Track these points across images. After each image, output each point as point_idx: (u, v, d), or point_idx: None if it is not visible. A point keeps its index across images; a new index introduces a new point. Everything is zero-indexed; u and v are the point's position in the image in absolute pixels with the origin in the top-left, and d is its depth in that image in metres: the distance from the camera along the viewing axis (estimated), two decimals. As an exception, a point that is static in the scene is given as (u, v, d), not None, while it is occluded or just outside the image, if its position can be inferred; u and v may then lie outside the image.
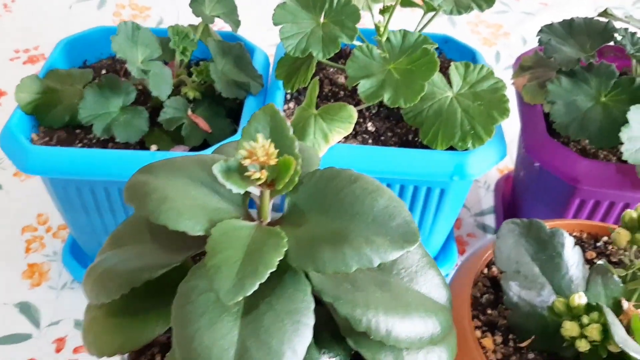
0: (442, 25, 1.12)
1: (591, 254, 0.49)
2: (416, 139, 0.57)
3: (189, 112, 0.57)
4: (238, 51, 0.60)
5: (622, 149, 0.50)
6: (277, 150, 0.32)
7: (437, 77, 0.55)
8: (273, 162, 0.31)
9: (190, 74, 0.59)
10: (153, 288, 0.37)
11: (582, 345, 0.37)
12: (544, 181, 0.61)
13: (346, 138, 0.58)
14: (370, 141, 0.58)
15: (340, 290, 0.35)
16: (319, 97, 0.61)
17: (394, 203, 0.35)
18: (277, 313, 0.33)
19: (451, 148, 0.54)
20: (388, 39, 0.52)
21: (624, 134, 0.50)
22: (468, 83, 0.55)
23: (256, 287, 0.31)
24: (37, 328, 0.63)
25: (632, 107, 0.51)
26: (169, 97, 0.56)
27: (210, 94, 0.60)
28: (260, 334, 0.32)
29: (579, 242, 0.51)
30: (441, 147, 0.54)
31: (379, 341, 0.35)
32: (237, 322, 0.33)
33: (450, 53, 0.69)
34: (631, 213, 0.38)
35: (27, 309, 0.65)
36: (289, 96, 0.62)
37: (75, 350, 0.61)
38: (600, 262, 0.42)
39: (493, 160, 0.55)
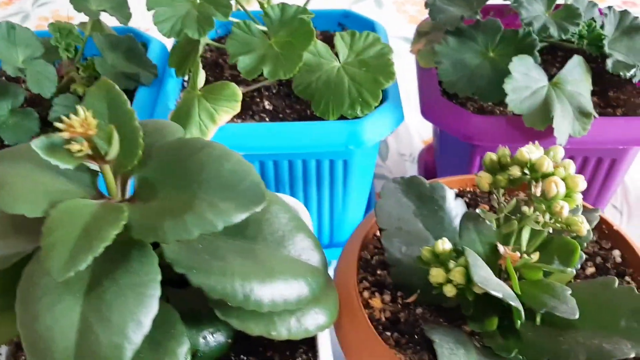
0: (369, 6, 1.12)
1: (484, 207, 0.49)
2: (313, 114, 0.57)
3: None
4: (128, 43, 0.60)
5: (507, 100, 0.50)
6: (99, 120, 0.31)
7: (324, 48, 0.54)
8: (92, 132, 0.30)
9: (79, 72, 0.59)
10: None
11: (449, 290, 0.37)
12: (448, 144, 0.61)
13: (243, 118, 0.57)
14: (267, 119, 0.57)
15: (196, 261, 0.35)
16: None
17: (241, 167, 0.35)
18: (120, 287, 0.32)
19: (345, 118, 0.54)
20: (267, 14, 0.52)
21: (508, 85, 0.50)
22: (355, 52, 0.54)
23: (89, 261, 0.30)
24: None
25: (515, 58, 0.51)
26: (57, 95, 0.55)
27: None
28: (102, 309, 0.31)
29: (473, 196, 0.51)
30: (333, 117, 0.54)
31: (249, 310, 0.35)
32: (79, 300, 0.32)
33: (352, 27, 0.69)
34: (491, 155, 0.38)
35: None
36: (186, 84, 0.61)
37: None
38: (478, 210, 0.42)
39: (389, 127, 0.55)
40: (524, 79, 0.51)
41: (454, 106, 0.55)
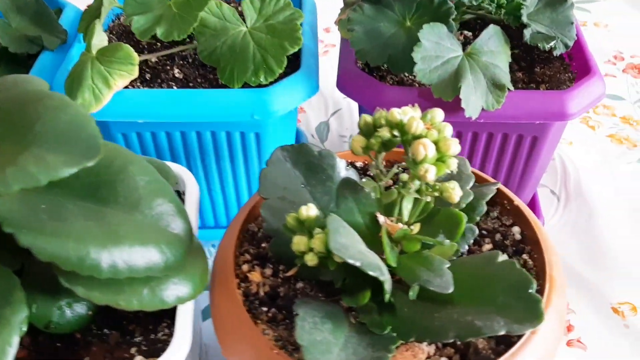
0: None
1: (387, 182, 0.46)
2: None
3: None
4: (36, 7, 0.57)
5: (416, 69, 0.47)
6: None
7: (230, 11, 0.52)
8: None
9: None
10: None
11: (310, 259, 0.34)
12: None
13: (149, 85, 0.54)
14: (175, 88, 0.54)
15: (30, 221, 0.32)
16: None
17: (79, 118, 0.32)
18: None
19: (249, 86, 0.51)
20: (166, -27, 0.49)
21: (417, 54, 0.47)
22: (263, 16, 0.52)
23: None
24: None
25: (425, 26, 0.48)
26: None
27: (9, 55, 0.56)
28: None
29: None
30: (238, 84, 0.51)
31: (96, 278, 0.32)
32: None
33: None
34: (366, 117, 0.35)
35: None
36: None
37: None
38: (364, 179, 0.40)
39: (300, 96, 0.52)
40: (435, 48, 0.48)
41: (367, 78, 0.52)
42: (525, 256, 0.41)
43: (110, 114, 0.51)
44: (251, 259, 0.42)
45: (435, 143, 0.33)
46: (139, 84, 0.54)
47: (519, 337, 0.35)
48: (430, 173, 0.32)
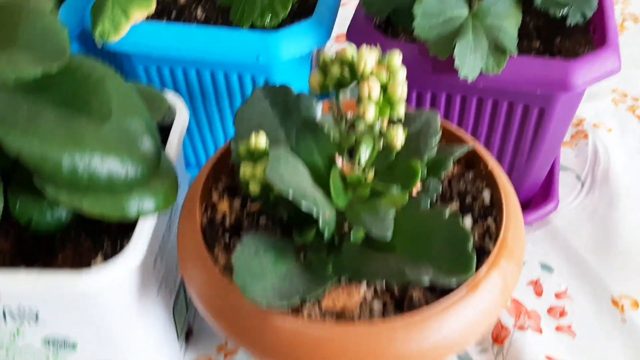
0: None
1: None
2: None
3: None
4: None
5: (415, 24, 0.47)
6: None
7: (248, -46, 0.53)
8: None
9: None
10: None
11: (253, 187, 0.35)
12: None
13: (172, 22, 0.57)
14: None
15: (7, 118, 0.35)
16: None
17: (52, 26, 0.35)
18: None
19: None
20: None
21: (418, 9, 0.47)
22: (279, -41, 0.52)
23: None
24: None
25: (433, -19, 0.47)
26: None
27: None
28: None
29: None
30: (246, 24, 0.52)
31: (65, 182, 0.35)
32: None
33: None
34: (324, 55, 0.36)
35: None
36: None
37: None
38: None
39: (309, 43, 0.53)
40: (438, 5, 0.47)
41: (373, 32, 0.52)
42: (489, 220, 0.41)
43: (128, 44, 0.54)
44: (223, 190, 0.44)
45: (384, 86, 0.33)
46: (165, 20, 0.57)
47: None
48: (369, 113, 0.32)
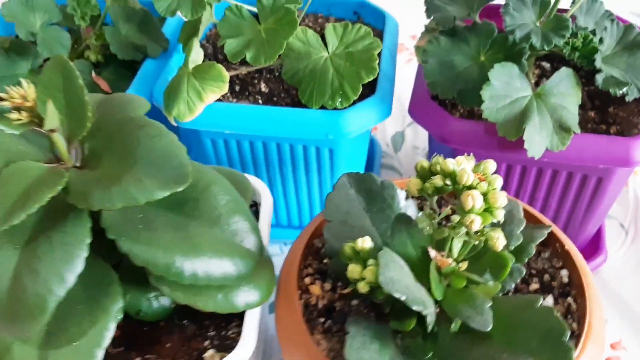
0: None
1: (448, 211, 0.49)
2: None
3: (93, 74, 0.61)
4: (142, 16, 0.63)
5: (483, 107, 0.50)
6: (36, 94, 0.34)
7: (314, 37, 0.56)
8: (29, 103, 0.34)
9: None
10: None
11: (362, 287, 0.38)
12: (434, 145, 0.61)
13: (239, 98, 0.60)
14: (260, 101, 0.59)
15: (128, 229, 0.38)
16: (226, 60, 0.63)
17: (172, 147, 0.37)
18: (52, 244, 0.36)
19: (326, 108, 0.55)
20: (260, 0, 0.54)
21: (486, 92, 0.50)
22: (344, 43, 0.55)
23: (22, 218, 0.34)
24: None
25: (496, 66, 0.50)
26: (72, 60, 0.60)
27: (117, 60, 0.63)
28: (33, 262, 0.35)
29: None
30: (316, 105, 0.55)
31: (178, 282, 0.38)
32: (17, 252, 0.36)
33: (367, 17, 0.70)
34: (423, 162, 0.39)
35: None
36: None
37: None
38: (418, 213, 0.43)
39: (372, 119, 0.56)
40: (504, 88, 0.50)
41: (437, 108, 0.55)
42: (569, 299, 0.43)
43: (201, 123, 0.56)
44: (313, 272, 0.46)
45: (484, 194, 0.36)
46: (228, 95, 0.60)
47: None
48: (476, 223, 0.35)
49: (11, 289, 0.35)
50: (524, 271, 0.43)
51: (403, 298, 0.36)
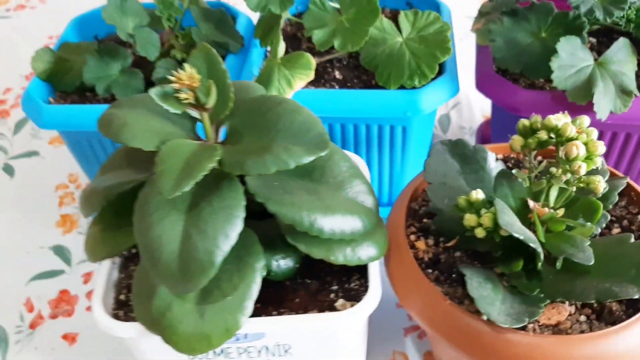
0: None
1: (525, 171, 0.55)
2: (377, 85, 0.64)
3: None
4: (219, 16, 0.69)
5: (553, 76, 0.55)
6: (201, 76, 0.40)
7: (389, 24, 0.61)
8: (196, 84, 0.39)
9: (178, 39, 0.68)
10: (130, 207, 0.46)
11: (479, 232, 0.43)
12: (500, 117, 0.66)
13: (315, 85, 0.65)
14: (336, 87, 0.65)
15: (272, 194, 0.43)
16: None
17: (310, 119, 0.43)
18: (213, 208, 0.41)
19: (403, 88, 0.61)
20: (340, -7, 0.59)
21: (554, 63, 0.55)
22: (416, 29, 0.61)
23: (191, 185, 0.39)
24: (69, 266, 0.74)
25: (562, 39, 0.56)
26: (160, 59, 0.65)
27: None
28: (199, 224, 0.40)
29: (514, 162, 0.57)
30: (394, 86, 0.60)
31: (313, 237, 0.43)
32: (182, 217, 0.41)
33: (418, 5, 0.75)
34: (524, 121, 0.44)
35: (60, 251, 0.76)
36: (268, 53, 0.70)
37: (98, 282, 0.72)
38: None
39: (444, 97, 0.61)
40: (570, 58, 0.55)
41: (504, 81, 0.61)
42: (649, 239, 0.49)
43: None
44: (416, 230, 0.52)
45: (585, 144, 0.41)
46: (307, 83, 0.65)
47: (646, 303, 0.43)
48: (583, 168, 0.41)
49: (182, 248, 0.40)
50: (608, 217, 0.48)
51: (521, 237, 0.41)
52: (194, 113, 0.43)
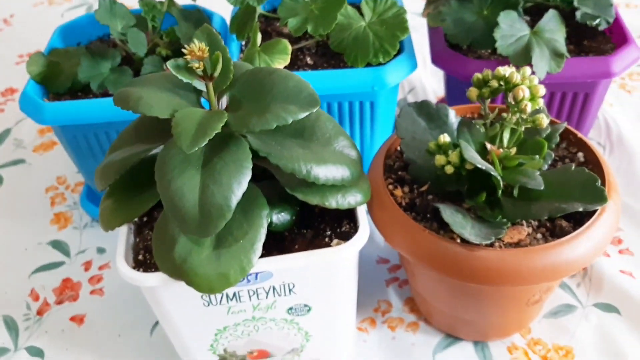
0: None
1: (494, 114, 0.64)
2: (345, 67, 0.72)
3: (164, 67, 0.73)
4: (197, 16, 0.76)
5: (497, 45, 0.65)
6: (209, 47, 0.47)
7: (353, 11, 0.70)
8: (205, 55, 0.46)
9: (162, 38, 0.75)
10: (144, 176, 0.53)
11: (448, 169, 0.52)
12: (453, 87, 0.75)
13: (290, 68, 0.73)
14: (309, 71, 0.73)
15: (272, 150, 0.50)
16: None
17: (301, 83, 0.50)
18: (225, 162, 0.48)
19: (370, 66, 0.69)
20: (309, -14, 0.67)
21: (497, 34, 0.65)
22: (377, 13, 0.70)
23: (206, 141, 0.46)
24: (68, 257, 0.78)
25: (502, 13, 0.66)
26: (146, 56, 0.72)
27: (182, 53, 0.75)
28: (214, 175, 0.47)
29: (470, 119, 0.66)
30: (361, 65, 0.69)
31: (308, 187, 0.51)
32: (199, 171, 0.48)
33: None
34: (478, 75, 0.53)
35: (58, 245, 0.80)
36: (244, 47, 0.77)
37: (100, 268, 0.76)
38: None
39: (405, 72, 0.70)
40: (510, 29, 0.65)
41: (456, 54, 0.70)
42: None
43: (267, 92, 0.69)
44: (393, 182, 0.60)
45: (529, 88, 0.50)
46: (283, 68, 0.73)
47: (589, 220, 0.52)
48: (529, 107, 0.49)
49: (201, 196, 0.47)
50: (552, 155, 0.57)
51: (484, 167, 0.50)
52: (199, 85, 0.50)
